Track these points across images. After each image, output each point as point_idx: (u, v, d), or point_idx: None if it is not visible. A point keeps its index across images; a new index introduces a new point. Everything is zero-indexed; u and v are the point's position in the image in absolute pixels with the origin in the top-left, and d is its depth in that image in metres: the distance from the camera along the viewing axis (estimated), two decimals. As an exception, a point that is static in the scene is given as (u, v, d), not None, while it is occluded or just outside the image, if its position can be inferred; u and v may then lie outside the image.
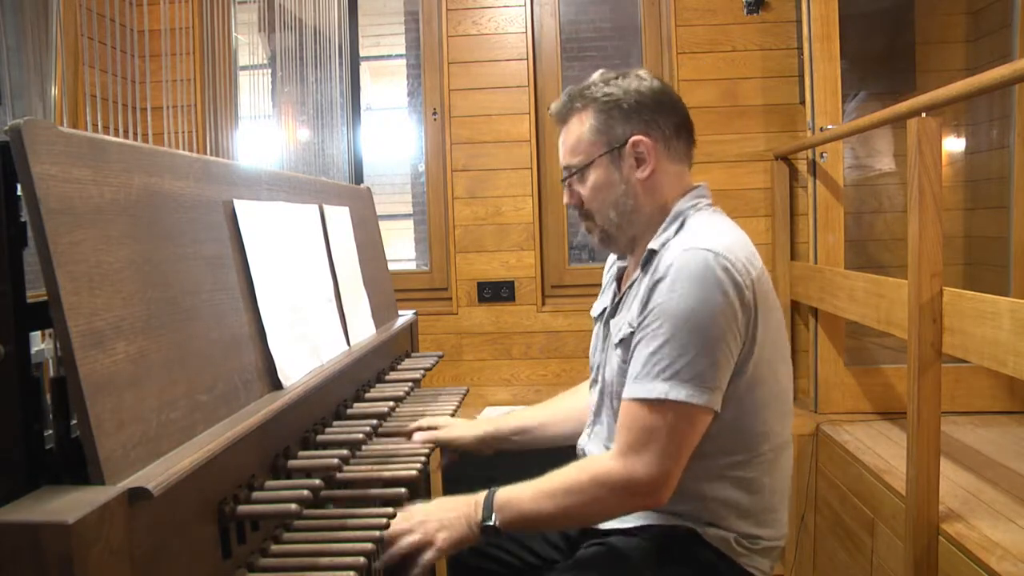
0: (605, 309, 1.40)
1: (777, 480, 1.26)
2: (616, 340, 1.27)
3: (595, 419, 1.39)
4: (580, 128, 1.30)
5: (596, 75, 1.32)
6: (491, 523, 1.17)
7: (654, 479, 1.13)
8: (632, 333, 1.21)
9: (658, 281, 1.16)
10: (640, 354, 1.16)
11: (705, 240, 1.17)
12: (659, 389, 1.12)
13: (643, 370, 1.15)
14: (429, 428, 1.47)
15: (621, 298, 1.34)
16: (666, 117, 1.28)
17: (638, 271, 1.28)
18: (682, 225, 1.25)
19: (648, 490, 1.13)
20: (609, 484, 1.14)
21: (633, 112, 1.27)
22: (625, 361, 1.23)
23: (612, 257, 1.46)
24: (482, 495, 1.20)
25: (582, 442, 1.42)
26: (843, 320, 2.50)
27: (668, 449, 1.13)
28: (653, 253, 1.23)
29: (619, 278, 1.41)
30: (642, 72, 1.31)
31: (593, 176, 1.29)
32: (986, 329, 1.43)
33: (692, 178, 1.34)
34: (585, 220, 1.35)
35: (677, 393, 1.11)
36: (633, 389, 1.15)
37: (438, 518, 1.17)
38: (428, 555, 1.15)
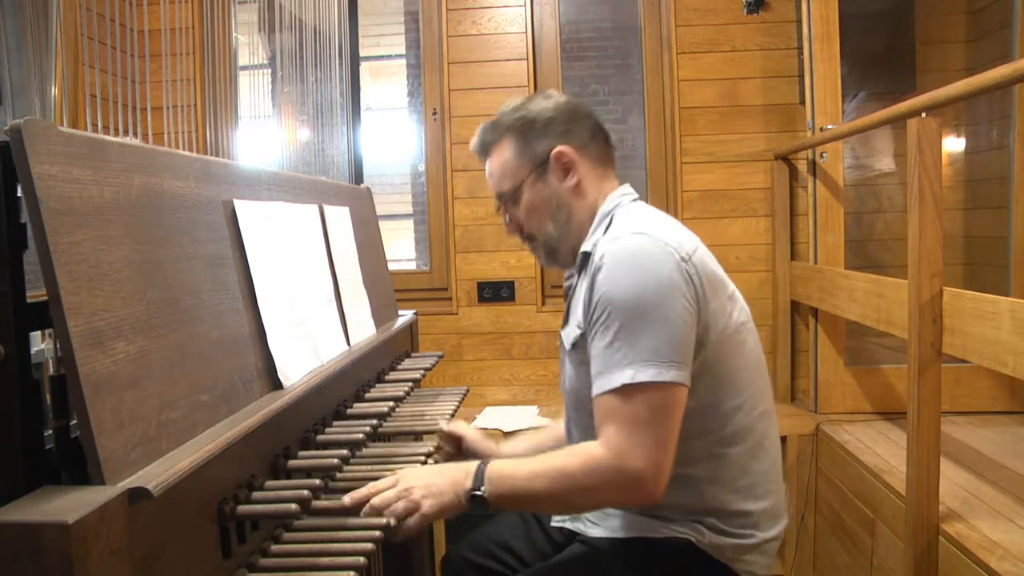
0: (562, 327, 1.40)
1: (761, 451, 1.25)
2: (568, 346, 1.28)
3: (568, 435, 1.39)
4: (503, 156, 1.35)
5: (503, 107, 1.37)
6: (480, 493, 1.15)
7: (645, 469, 1.10)
8: (583, 335, 1.21)
9: (594, 275, 1.18)
10: (597, 349, 1.15)
11: (631, 226, 1.20)
12: (624, 375, 1.11)
13: (604, 363, 1.14)
14: (452, 432, 1.49)
15: (568, 307, 1.35)
16: (578, 125, 1.33)
17: (576, 277, 1.31)
18: (610, 224, 1.27)
19: (640, 481, 1.10)
20: (600, 473, 1.12)
21: (548, 127, 1.32)
22: (583, 363, 1.22)
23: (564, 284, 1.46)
24: (474, 465, 1.18)
25: None
26: (843, 320, 2.50)
27: (652, 436, 1.10)
28: (587, 255, 1.25)
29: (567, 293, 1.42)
30: (549, 91, 1.38)
31: (526, 197, 1.33)
32: (986, 329, 1.42)
33: (618, 181, 1.37)
34: (529, 242, 1.38)
35: (643, 375, 1.10)
36: (600, 384, 1.14)
37: (425, 483, 1.15)
38: (412, 521, 1.12)
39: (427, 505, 1.13)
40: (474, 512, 1.18)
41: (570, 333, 1.28)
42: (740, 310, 1.27)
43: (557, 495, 1.15)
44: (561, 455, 1.17)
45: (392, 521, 1.08)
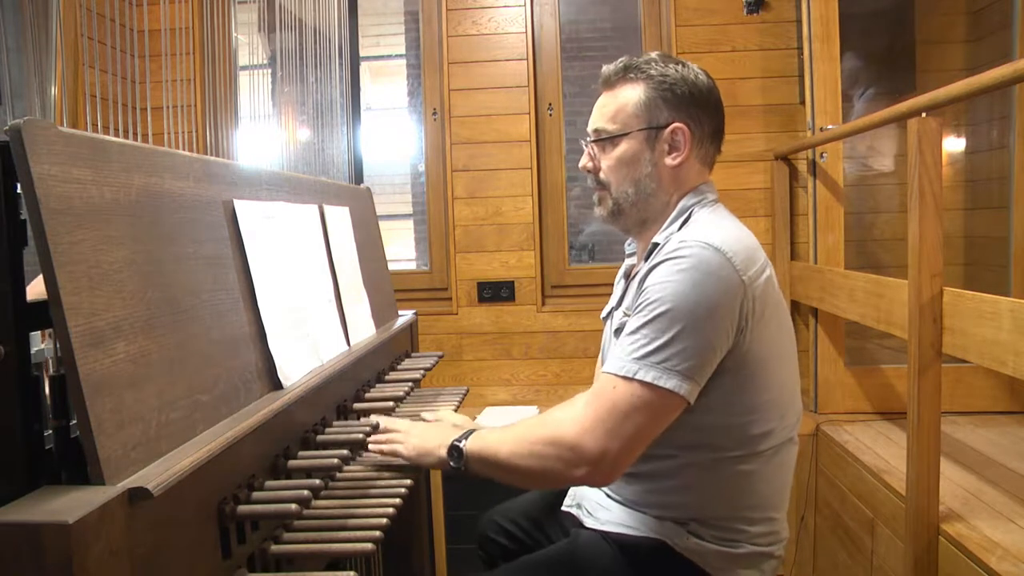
0: (612, 308, 1.41)
1: (773, 478, 1.25)
2: (615, 329, 1.29)
3: None
4: (627, 97, 1.29)
5: (655, 54, 1.32)
6: (460, 444, 1.22)
7: (600, 455, 1.11)
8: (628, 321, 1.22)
9: (653, 268, 1.18)
10: (626, 329, 1.17)
11: (703, 234, 1.17)
12: (629, 367, 1.12)
13: (624, 347, 1.15)
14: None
15: (626, 290, 1.35)
16: (709, 117, 1.30)
17: (643, 263, 1.29)
18: (687, 220, 1.26)
19: (592, 465, 1.12)
20: (559, 445, 1.14)
21: (683, 100, 1.27)
22: None
23: (625, 263, 1.47)
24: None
25: None
26: (843, 320, 2.50)
27: (623, 430, 1.11)
28: (656, 246, 1.25)
29: (627, 275, 1.42)
30: (698, 68, 1.32)
31: (623, 147, 1.29)
32: (986, 329, 1.42)
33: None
34: (598, 189, 1.34)
35: (644, 374, 1.11)
36: (611, 361, 1.16)
37: (419, 435, 1.28)
38: (386, 448, 1.27)
39: (406, 446, 1.26)
40: (450, 468, 1.25)
41: (619, 317, 1.29)
42: (788, 340, 1.26)
43: (517, 458, 1.18)
44: (536, 422, 1.23)
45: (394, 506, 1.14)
